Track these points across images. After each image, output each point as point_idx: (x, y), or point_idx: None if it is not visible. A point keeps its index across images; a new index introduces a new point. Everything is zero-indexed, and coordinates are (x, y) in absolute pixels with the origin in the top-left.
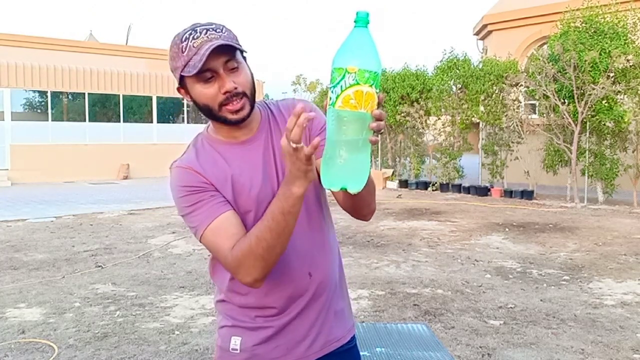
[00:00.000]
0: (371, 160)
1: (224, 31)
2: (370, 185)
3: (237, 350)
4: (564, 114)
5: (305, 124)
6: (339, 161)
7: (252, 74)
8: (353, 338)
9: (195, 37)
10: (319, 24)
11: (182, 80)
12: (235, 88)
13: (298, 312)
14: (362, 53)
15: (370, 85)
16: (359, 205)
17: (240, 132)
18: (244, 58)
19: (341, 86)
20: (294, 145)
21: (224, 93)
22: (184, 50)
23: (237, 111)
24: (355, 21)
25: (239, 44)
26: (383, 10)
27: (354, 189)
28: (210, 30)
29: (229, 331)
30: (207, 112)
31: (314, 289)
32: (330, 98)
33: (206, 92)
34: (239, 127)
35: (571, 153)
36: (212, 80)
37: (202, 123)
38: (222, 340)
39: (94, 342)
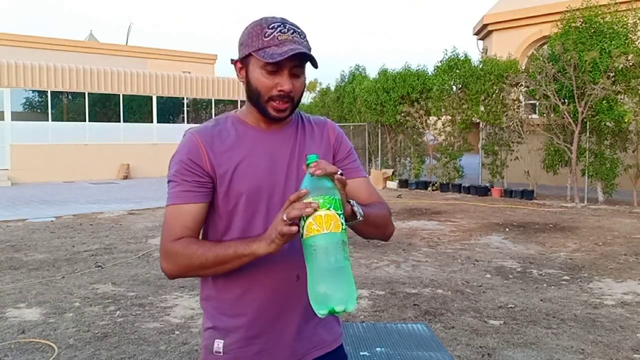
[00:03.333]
0: (352, 272)
1: (305, 39)
2: (379, 218)
3: (220, 352)
4: (564, 114)
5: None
6: (321, 286)
7: (305, 85)
8: (340, 346)
9: (282, 31)
10: (319, 24)
11: (246, 57)
12: (291, 92)
13: (283, 315)
14: (319, 187)
15: (328, 209)
16: (371, 236)
17: (267, 124)
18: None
19: (303, 218)
20: (284, 221)
21: (279, 90)
22: (266, 35)
23: (280, 110)
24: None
25: (313, 57)
26: (384, 9)
27: (340, 308)
28: (297, 33)
29: (212, 333)
30: (255, 97)
31: (300, 291)
32: (299, 231)
33: (264, 81)
34: (269, 121)
35: (571, 153)
36: (274, 74)
37: (202, 123)
38: (206, 342)
39: (94, 342)
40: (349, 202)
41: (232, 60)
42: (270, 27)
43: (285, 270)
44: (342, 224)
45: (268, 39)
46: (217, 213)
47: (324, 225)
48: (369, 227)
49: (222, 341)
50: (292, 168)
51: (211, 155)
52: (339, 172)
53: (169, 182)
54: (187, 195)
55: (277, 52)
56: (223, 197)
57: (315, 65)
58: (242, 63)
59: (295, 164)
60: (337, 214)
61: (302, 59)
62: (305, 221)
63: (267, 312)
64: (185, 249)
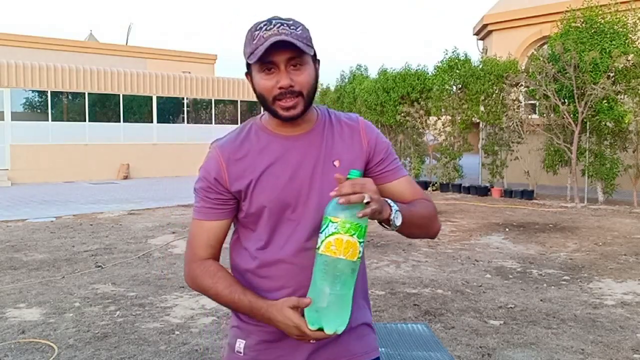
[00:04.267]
0: (352, 302)
1: (297, 29)
2: (422, 219)
3: (240, 353)
4: (564, 114)
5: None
6: (320, 303)
7: (316, 78)
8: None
9: (268, 28)
10: (320, 24)
11: (249, 67)
12: (291, 86)
13: None
14: (351, 210)
15: (351, 235)
16: (414, 236)
17: (289, 128)
18: (317, 61)
19: (325, 233)
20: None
21: (279, 88)
22: (254, 38)
23: (288, 108)
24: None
25: (307, 45)
26: (384, 10)
27: (330, 330)
28: (284, 25)
29: (236, 332)
30: (262, 102)
31: None
32: (317, 242)
33: (263, 83)
34: (290, 124)
35: (571, 153)
36: (272, 73)
37: (202, 123)
38: (230, 340)
39: (94, 342)
40: (390, 207)
41: (245, 74)
42: (257, 29)
43: (309, 279)
44: (360, 252)
45: (255, 41)
46: (245, 223)
47: (342, 250)
48: (411, 229)
49: (244, 342)
50: (317, 175)
51: (232, 171)
52: (365, 200)
53: (194, 191)
54: (208, 212)
55: (261, 49)
56: (247, 208)
57: (304, 51)
58: (249, 74)
59: (320, 170)
60: (359, 242)
61: (291, 48)
62: (325, 236)
63: None
64: (203, 280)
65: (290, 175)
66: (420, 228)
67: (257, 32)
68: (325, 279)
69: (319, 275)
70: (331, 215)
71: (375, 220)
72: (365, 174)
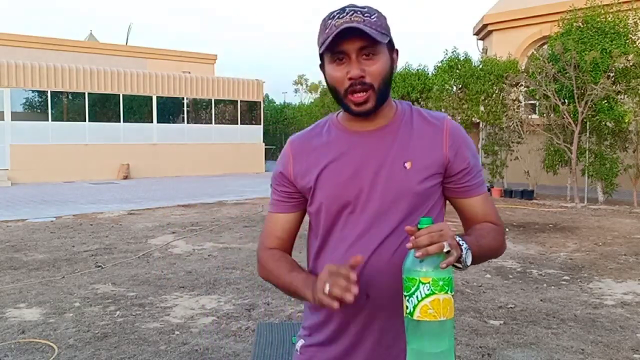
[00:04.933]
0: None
1: (372, 17)
2: (488, 251)
3: (298, 352)
4: (564, 114)
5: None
6: None
7: (391, 69)
8: None
9: (340, 16)
10: (318, 25)
11: (322, 58)
12: (362, 77)
13: (352, 331)
14: (432, 260)
15: (446, 292)
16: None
17: (362, 124)
18: (396, 51)
19: (417, 297)
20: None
21: (349, 79)
22: (327, 27)
23: (359, 104)
24: (418, 226)
25: (380, 32)
26: (383, 9)
27: None
28: (358, 12)
29: (302, 331)
30: (335, 96)
31: (372, 311)
32: (407, 307)
33: (334, 75)
34: (362, 119)
35: (571, 153)
36: (343, 63)
37: (202, 123)
38: (297, 339)
39: (94, 342)
40: (460, 248)
41: (319, 66)
42: (330, 17)
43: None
44: (453, 305)
45: (327, 30)
46: (311, 225)
47: (441, 310)
48: (476, 262)
49: (303, 341)
50: (381, 175)
51: (298, 166)
52: (445, 249)
53: (270, 186)
54: (277, 205)
55: (330, 38)
56: (310, 205)
57: (376, 39)
58: (322, 66)
59: (387, 170)
60: (452, 295)
61: (363, 36)
62: (418, 300)
63: (336, 323)
64: (267, 264)
65: (352, 172)
66: (485, 259)
67: (330, 21)
68: (426, 344)
69: (418, 340)
70: (420, 275)
71: None
72: (443, 182)
